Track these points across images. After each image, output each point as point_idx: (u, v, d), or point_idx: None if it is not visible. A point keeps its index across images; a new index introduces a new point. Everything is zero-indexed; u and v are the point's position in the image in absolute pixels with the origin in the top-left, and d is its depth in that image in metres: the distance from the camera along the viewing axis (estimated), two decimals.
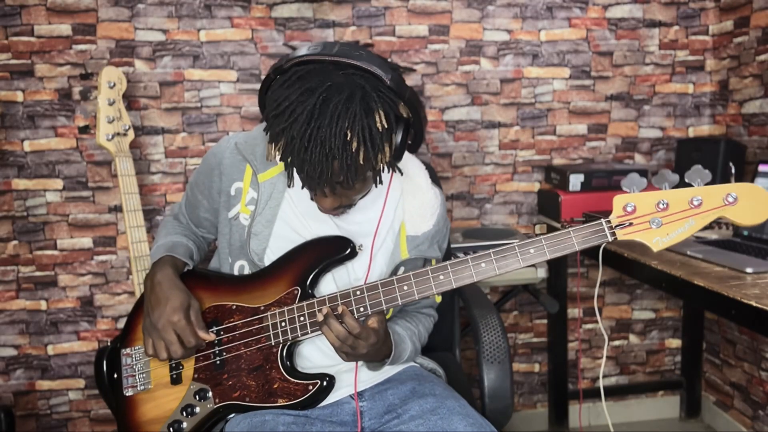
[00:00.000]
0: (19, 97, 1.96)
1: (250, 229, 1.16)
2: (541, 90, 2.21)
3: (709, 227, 1.82)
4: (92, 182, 2.03)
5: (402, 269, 1.18)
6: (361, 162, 0.96)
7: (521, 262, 1.02)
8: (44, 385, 2.09)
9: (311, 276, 1.12)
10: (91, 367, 2.07)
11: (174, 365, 1.16)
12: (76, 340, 2.08)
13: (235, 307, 1.15)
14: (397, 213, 1.21)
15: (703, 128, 2.30)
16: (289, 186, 1.08)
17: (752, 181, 1.67)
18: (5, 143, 1.97)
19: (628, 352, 2.41)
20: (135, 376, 1.18)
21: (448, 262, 1.04)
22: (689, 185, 0.99)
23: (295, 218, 1.17)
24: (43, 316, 2.06)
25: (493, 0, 2.13)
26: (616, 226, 1.00)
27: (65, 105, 1.98)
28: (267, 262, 1.16)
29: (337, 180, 0.99)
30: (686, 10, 2.23)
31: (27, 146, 1.98)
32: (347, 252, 1.13)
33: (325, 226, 1.16)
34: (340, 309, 1.04)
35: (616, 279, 2.35)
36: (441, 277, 1.04)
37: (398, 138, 1.02)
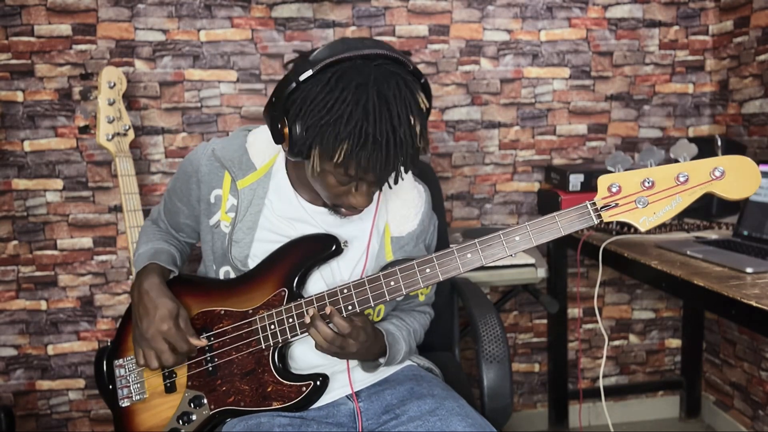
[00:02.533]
0: (19, 97, 1.96)
1: (230, 237, 1.15)
2: (541, 90, 2.21)
3: (709, 227, 1.82)
4: (92, 182, 2.03)
5: (389, 266, 1.18)
6: (419, 145, 0.98)
7: (507, 251, 1.00)
8: (44, 385, 2.09)
9: (297, 276, 1.12)
10: (91, 367, 2.07)
11: (167, 374, 1.16)
12: (76, 340, 2.08)
13: (223, 312, 1.14)
14: (380, 214, 1.20)
15: (703, 128, 2.30)
16: (342, 182, 1.02)
17: None
18: (5, 143, 1.97)
19: (628, 352, 2.41)
20: (129, 386, 1.18)
21: (433, 255, 1.03)
22: (675, 161, 0.96)
23: (278, 222, 1.16)
24: (43, 316, 2.06)
25: (493, 0, 2.13)
26: (601, 208, 0.97)
27: (65, 105, 1.98)
28: (251, 267, 1.15)
29: (397, 173, 1.00)
30: (686, 10, 2.23)
31: (27, 146, 1.98)
32: (333, 249, 1.12)
33: (309, 227, 1.15)
34: (327, 310, 1.04)
35: (616, 279, 2.35)
36: (427, 270, 1.03)
37: None
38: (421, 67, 2.12)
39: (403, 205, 1.21)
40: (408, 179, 1.23)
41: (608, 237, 1.73)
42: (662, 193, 0.95)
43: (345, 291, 1.07)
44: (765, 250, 1.47)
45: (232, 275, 1.18)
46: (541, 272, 1.90)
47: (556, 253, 2.19)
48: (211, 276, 1.21)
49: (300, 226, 1.15)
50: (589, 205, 0.97)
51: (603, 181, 0.97)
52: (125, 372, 1.19)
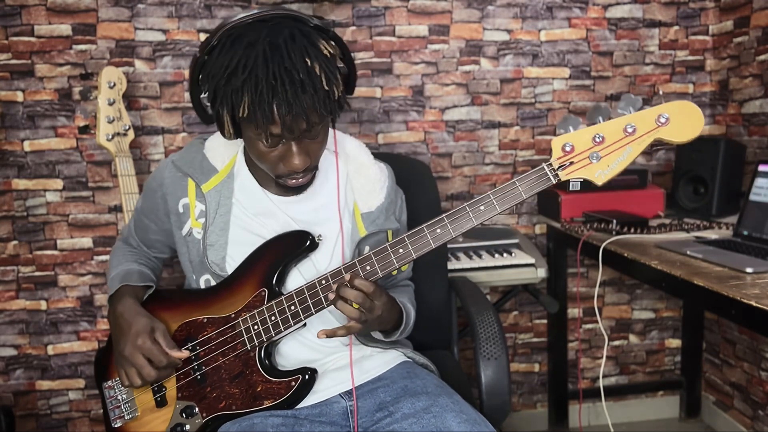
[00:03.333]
0: (19, 97, 1.96)
1: (204, 242, 1.17)
2: (541, 90, 2.21)
3: (709, 227, 1.82)
4: (92, 182, 2.03)
5: (367, 248, 1.19)
6: (326, 87, 0.98)
7: (474, 221, 1.03)
8: (44, 385, 2.09)
9: (275, 275, 1.13)
10: (91, 367, 2.07)
11: (156, 388, 1.16)
12: (76, 340, 2.08)
13: (206, 319, 1.15)
14: (348, 194, 1.23)
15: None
16: (266, 142, 1.04)
17: (752, 181, 1.67)
18: (5, 143, 1.97)
19: (628, 352, 2.41)
20: (120, 406, 1.18)
21: (405, 235, 1.06)
22: (622, 115, 1.00)
23: (249, 220, 1.18)
24: (43, 316, 2.06)
25: (493, 0, 2.13)
26: (557, 168, 1.01)
27: (65, 105, 1.98)
28: (229, 270, 1.17)
29: (309, 118, 1.00)
30: (686, 10, 2.23)
31: (27, 146, 1.98)
32: (307, 245, 1.14)
33: (280, 221, 1.17)
34: (347, 276, 1.05)
35: (616, 279, 2.35)
36: (401, 250, 1.05)
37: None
38: (421, 67, 2.13)
39: (366, 181, 1.23)
40: (367, 158, 1.26)
41: (608, 237, 1.74)
42: (613, 146, 1.00)
43: (323, 282, 1.08)
44: (765, 250, 1.47)
45: (213, 283, 1.19)
46: (541, 272, 1.90)
47: (556, 253, 2.19)
48: (193, 287, 1.22)
49: (271, 223, 1.17)
50: (546, 167, 1.03)
51: (556, 143, 1.02)
52: (115, 392, 1.19)
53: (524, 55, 2.18)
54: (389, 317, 1.14)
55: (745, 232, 1.65)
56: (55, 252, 2.04)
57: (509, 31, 2.16)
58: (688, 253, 1.52)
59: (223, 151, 1.21)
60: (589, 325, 2.38)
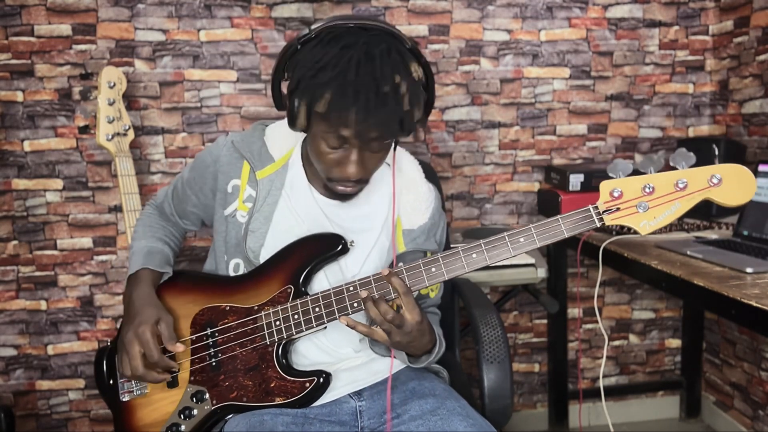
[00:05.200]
0: (19, 97, 1.96)
1: (247, 226, 1.17)
2: (541, 90, 2.21)
3: (709, 227, 1.82)
4: (92, 182, 2.03)
5: (401, 264, 1.18)
6: (406, 107, 0.99)
7: (512, 252, 1.03)
8: (44, 385, 2.09)
9: (303, 274, 1.13)
10: (91, 367, 2.07)
11: None
12: (76, 340, 2.08)
13: (228, 308, 1.15)
14: (391, 208, 1.22)
15: (703, 128, 2.30)
16: (331, 143, 1.04)
17: None
18: (5, 143, 1.97)
19: (628, 352, 2.41)
20: (131, 380, 1.18)
21: (439, 254, 1.05)
22: (674, 169, 1.00)
23: (291, 215, 1.18)
24: (43, 316, 2.06)
25: (493, 0, 2.13)
26: (603, 212, 1.01)
27: (65, 105, 1.98)
28: (263, 259, 1.17)
29: (381, 131, 1.00)
30: (686, 10, 2.23)
31: (27, 146, 1.98)
32: (338, 248, 1.13)
33: (320, 223, 1.18)
34: (385, 272, 1.04)
35: (616, 279, 2.35)
36: (433, 269, 1.05)
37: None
38: None
39: (415, 198, 1.23)
40: (419, 176, 1.25)
41: (608, 237, 1.73)
42: (662, 199, 0.99)
43: (351, 289, 1.08)
44: (765, 250, 1.47)
45: (242, 268, 1.19)
46: (541, 272, 1.90)
47: (556, 253, 2.19)
48: (220, 268, 1.22)
49: (311, 222, 1.18)
50: (592, 209, 1.02)
51: (605, 186, 1.01)
52: None
53: (524, 55, 2.18)
54: (420, 343, 1.09)
55: (745, 232, 1.65)
56: (55, 252, 2.04)
57: (509, 31, 2.16)
58: (688, 253, 1.52)
59: (282, 142, 1.21)
60: (589, 325, 2.38)
